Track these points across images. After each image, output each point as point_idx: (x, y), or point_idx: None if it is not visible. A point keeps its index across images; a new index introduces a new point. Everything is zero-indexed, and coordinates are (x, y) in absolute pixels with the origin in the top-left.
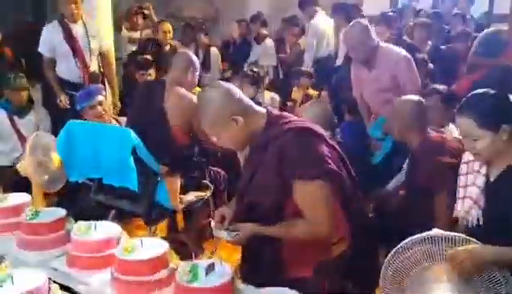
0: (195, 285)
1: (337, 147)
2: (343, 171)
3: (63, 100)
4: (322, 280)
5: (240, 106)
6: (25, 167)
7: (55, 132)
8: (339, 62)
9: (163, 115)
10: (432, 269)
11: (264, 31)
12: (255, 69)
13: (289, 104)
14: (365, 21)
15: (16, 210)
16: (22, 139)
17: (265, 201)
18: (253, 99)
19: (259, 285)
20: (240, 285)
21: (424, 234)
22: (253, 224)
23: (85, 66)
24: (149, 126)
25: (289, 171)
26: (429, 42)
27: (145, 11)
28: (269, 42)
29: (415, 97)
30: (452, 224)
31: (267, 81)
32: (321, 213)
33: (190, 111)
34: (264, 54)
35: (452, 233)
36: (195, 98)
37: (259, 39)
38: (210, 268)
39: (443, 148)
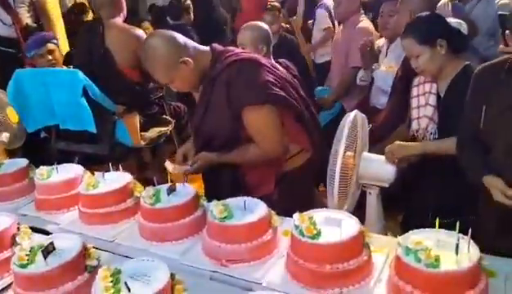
0: (159, 206)
1: (284, 72)
2: (291, 93)
3: None
4: (286, 191)
5: (186, 48)
6: None
7: None
8: None
9: (108, 54)
10: None
11: None
12: None
13: None
14: None
15: None
16: None
17: (220, 133)
18: None
19: None
20: (205, 203)
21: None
22: (210, 153)
23: (16, 18)
24: (96, 68)
25: (238, 100)
26: None
27: None
28: None
29: None
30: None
31: None
32: (270, 135)
33: (132, 44)
34: None
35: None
36: (137, 30)
37: None
38: (171, 189)
39: None
